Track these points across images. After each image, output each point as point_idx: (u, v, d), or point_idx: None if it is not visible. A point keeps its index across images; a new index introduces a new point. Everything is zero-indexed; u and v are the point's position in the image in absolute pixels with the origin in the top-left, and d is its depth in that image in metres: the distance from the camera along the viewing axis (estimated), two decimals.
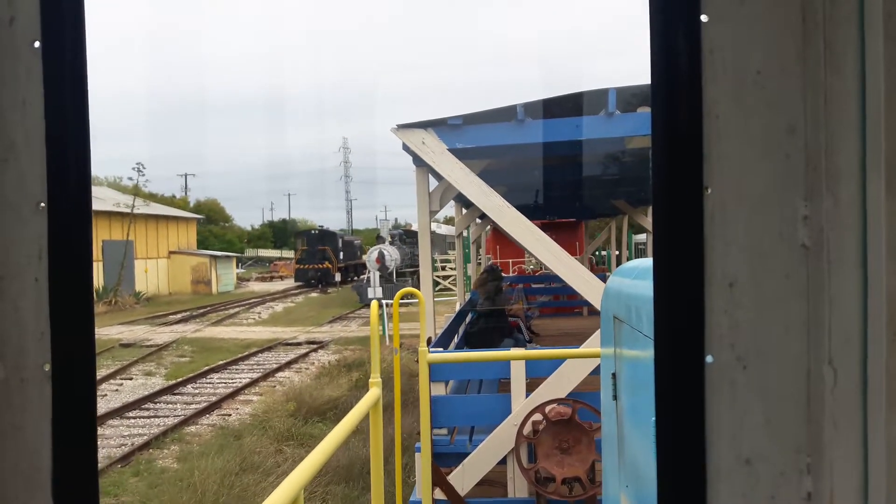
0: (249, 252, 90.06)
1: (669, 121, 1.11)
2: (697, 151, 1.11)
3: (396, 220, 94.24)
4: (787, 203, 1.11)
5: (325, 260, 52.22)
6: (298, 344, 25.14)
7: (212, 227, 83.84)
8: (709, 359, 1.12)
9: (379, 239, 42.05)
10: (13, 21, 1.16)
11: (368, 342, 20.47)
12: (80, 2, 1.17)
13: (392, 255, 39.55)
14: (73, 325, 1.18)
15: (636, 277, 2.63)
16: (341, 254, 53.50)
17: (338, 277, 49.64)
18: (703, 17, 1.09)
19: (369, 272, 37.03)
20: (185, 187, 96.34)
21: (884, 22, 0.97)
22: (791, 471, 1.12)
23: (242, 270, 72.87)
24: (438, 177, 7.97)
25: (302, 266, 53.35)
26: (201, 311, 37.92)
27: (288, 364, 20.79)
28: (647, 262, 2.68)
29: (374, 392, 3.76)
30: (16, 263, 1.18)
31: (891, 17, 0.97)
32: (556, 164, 10.21)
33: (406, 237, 49.18)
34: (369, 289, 28.36)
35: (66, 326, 1.18)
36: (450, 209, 17.34)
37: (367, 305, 29.27)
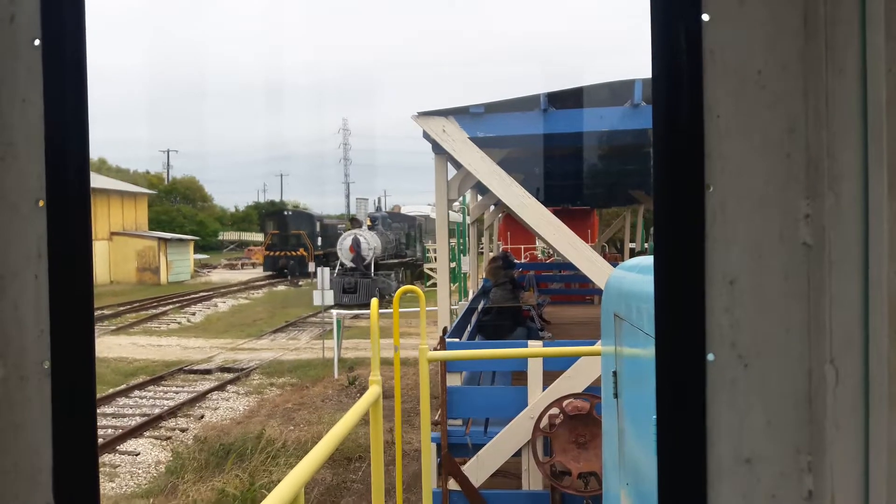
0: (230, 235, 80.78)
1: (671, 120, 1.11)
2: (699, 150, 1.11)
3: (378, 200, 70.39)
4: (789, 202, 1.11)
5: (299, 246, 43.98)
6: (208, 372, 17.66)
7: (181, 206, 75.51)
8: (710, 357, 1.12)
9: (354, 223, 34.35)
10: (13, 19, 1.17)
11: (309, 370, 17.09)
12: (81, 0, 1.17)
13: (370, 242, 32.29)
14: (73, 323, 1.19)
15: (636, 275, 2.62)
16: (319, 239, 44.62)
17: (312, 267, 37.51)
18: (705, 17, 1.09)
19: (339, 262, 30.21)
20: (168, 164, 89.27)
21: (885, 22, 0.96)
22: (792, 470, 1.12)
23: (205, 256, 62.99)
24: (457, 165, 7.95)
25: (271, 253, 44.95)
26: (121, 308, 29.37)
27: (157, 419, 13.24)
28: (647, 259, 2.67)
29: (374, 390, 3.82)
30: (15, 261, 1.19)
31: (891, 17, 0.96)
32: (576, 153, 10.17)
33: (392, 221, 40.30)
34: (315, 292, 19.30)
35: (65, 324, 1.19)
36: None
37: (334, 306, 22.15)
